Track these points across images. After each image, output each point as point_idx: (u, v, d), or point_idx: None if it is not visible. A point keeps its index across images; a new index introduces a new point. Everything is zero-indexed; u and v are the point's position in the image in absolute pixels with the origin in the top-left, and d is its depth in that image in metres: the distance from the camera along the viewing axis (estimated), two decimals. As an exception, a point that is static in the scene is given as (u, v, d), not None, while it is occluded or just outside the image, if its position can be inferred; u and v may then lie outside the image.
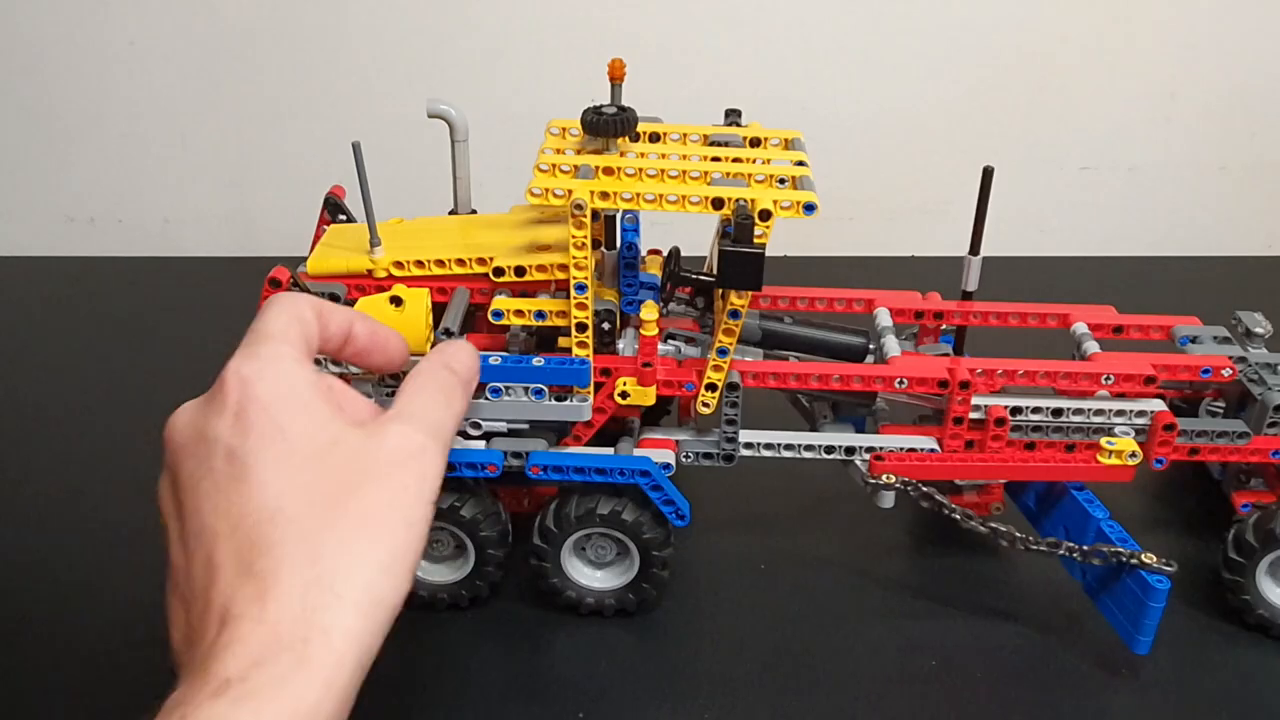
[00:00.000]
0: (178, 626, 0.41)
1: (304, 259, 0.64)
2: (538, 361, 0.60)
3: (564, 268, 0.59)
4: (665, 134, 0.63)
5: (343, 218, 0.69)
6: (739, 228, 0.55)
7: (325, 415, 0.44)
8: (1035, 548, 0.62)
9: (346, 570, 0.40)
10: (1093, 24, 1.07)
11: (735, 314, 0.59)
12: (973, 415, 0.63)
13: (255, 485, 0.41)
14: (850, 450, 0.64)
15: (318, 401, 0.44)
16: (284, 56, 1.08)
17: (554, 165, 0.58)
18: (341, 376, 0.58)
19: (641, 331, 0.59)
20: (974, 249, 0.68)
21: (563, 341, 0.61)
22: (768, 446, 0.64)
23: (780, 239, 0.57)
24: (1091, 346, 0.67)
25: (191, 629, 0.40)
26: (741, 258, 0.55)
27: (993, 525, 0.62)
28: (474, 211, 0.72)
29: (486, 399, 0.60)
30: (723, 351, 0.61)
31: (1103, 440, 0.63)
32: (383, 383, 0.61)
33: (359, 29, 1.06)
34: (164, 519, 0.44)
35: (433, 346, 0.55)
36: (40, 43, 1.07)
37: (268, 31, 1.06)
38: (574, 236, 0.57)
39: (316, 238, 0.67)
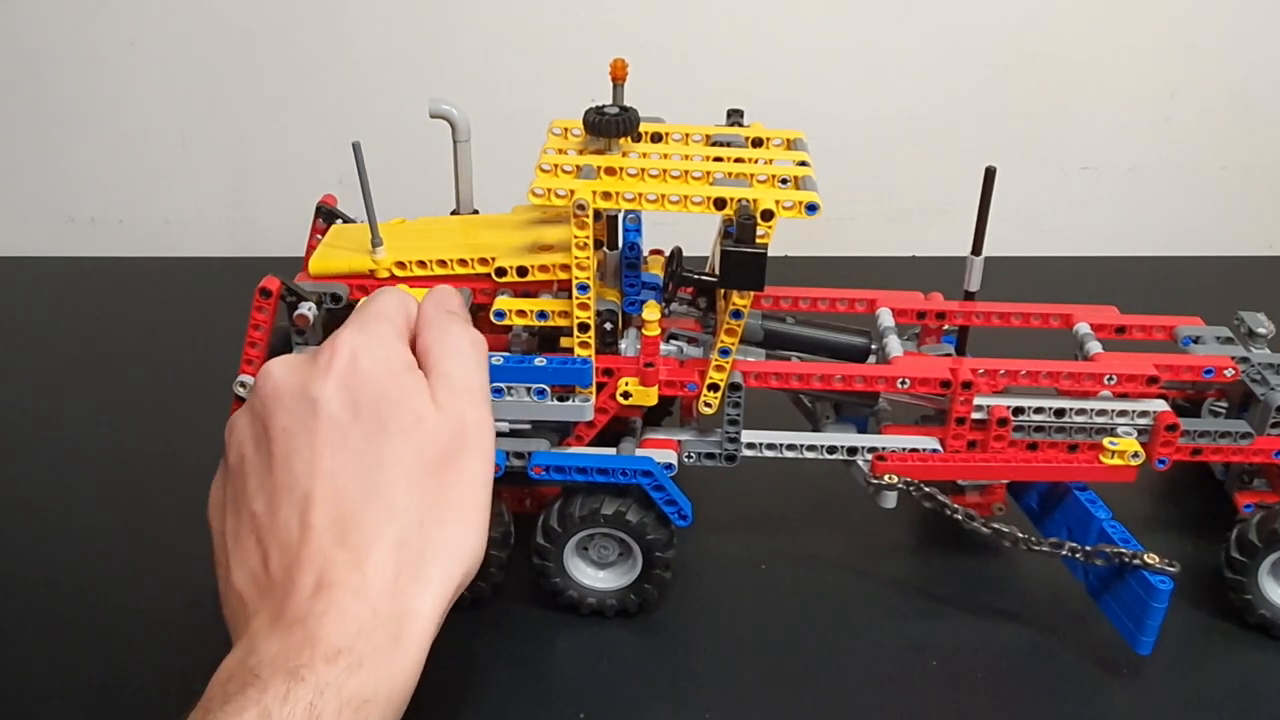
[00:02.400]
0: (245, 566, 0.44)
1: (303, 261, 0.64)
2: (540, 362, 0.60)
3: (566, 268, 0.59)
4: (667, 134, 0.63)
5: (339, 222, 0.69)
6: (741, 228, 0.55)
7: (416, 391, 0.47)
8: (1038, 548, 0.61)
9: (430, 556, 0.44)
10: (1093, 24, 1.07)
11: (737, 314, 0.59)
12: (975, 415, 0.63)
13: (353, 455, 0.44)
14: (852, 450, 0.64)
15: (412, 380, 0.47)
16: (284, 56, 1.07)
17: (556, 165, 0.57)
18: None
19: (644, 332, 0.59)
20: (976, 249, 0.68)
21: (565, 342, 0.61)
22: (770, 447, 0.64)
23: (782, 239, 0.57)
24: (1094, 347, 0.67)
25: (270, 576, 0.43)
26: (744, 258, 0.55)
27: (995, 526, 0.62)
28: (476, 211, 0.72)
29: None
30: (725, 352, 0.61)
31: (1105, 441, 0.63)
32: None
33: (359, 29, 1.06)
34: (233, 454, 0.47)
35: None
36: (40, 43, 1.07)
37: (268, 31, 1.06)
38: (576, 236, 0.57)
39: (311, 247, 0.67)
